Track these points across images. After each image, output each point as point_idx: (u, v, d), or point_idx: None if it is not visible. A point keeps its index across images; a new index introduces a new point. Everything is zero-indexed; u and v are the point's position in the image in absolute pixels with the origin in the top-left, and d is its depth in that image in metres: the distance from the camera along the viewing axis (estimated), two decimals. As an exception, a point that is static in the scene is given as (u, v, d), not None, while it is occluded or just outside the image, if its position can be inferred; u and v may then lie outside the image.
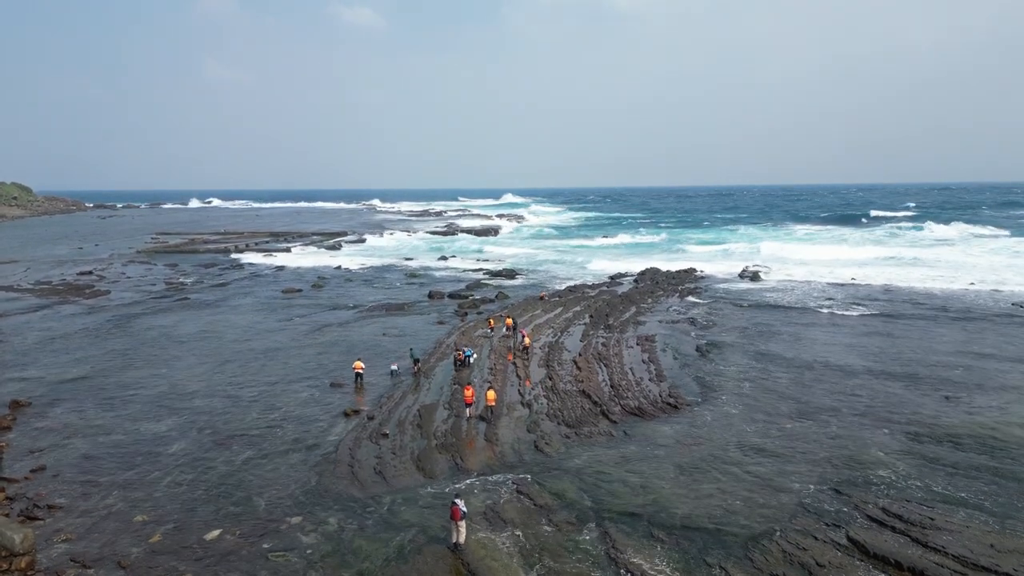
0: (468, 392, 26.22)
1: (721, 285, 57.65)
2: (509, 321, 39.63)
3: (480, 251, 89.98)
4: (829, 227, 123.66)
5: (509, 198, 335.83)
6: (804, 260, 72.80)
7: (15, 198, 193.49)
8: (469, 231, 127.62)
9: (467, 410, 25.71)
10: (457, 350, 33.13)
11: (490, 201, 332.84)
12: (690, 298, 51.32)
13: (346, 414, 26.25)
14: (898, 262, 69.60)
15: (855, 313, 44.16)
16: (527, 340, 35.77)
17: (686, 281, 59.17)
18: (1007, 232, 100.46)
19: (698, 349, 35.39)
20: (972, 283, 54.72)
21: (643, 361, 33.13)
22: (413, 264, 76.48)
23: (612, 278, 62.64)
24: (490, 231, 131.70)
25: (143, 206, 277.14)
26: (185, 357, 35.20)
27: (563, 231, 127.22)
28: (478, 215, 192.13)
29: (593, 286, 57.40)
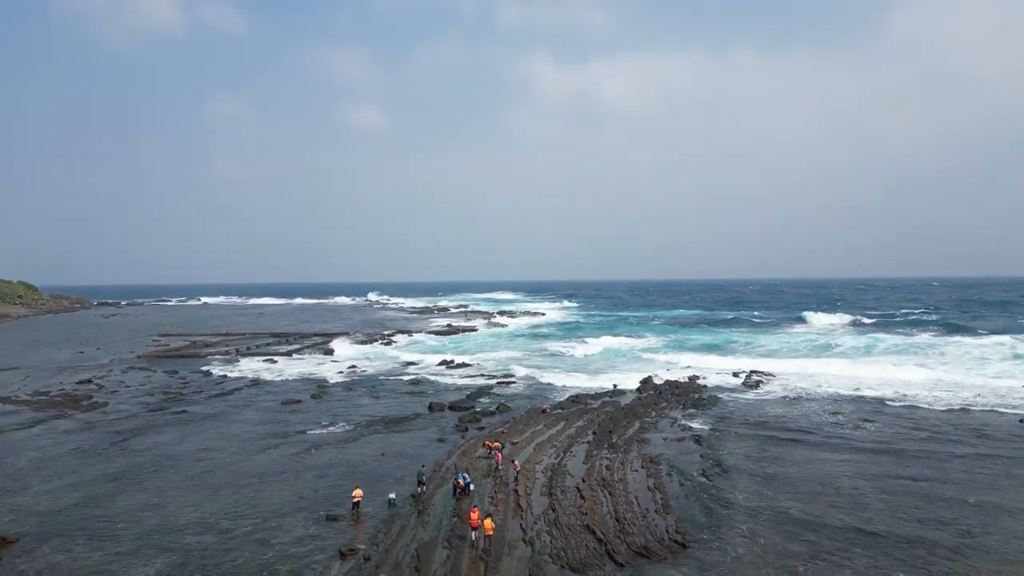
0: (474, 515, 26.10)
1: (724, 395, 57.05)
2: (490, 444, 38.58)
3: (481, 352, 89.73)
4: (831, 322, 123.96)
5: (509, 294, 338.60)
6: (808, 371, 71.79)
7: (20, 297, 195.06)
8: (470, 329, 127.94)
9: (473, 533, 25.27)
10: (456, 477, 32.41)
11: (491, 295, 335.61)
12: (693, 410, 50.74)
13: (342, 554, 25.29)
14: (899, 367, 69.14)
15: (863, 432, 43.39)
16: (500, 458, 35.41)
17: (689, 391, 58.61)
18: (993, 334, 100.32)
19: (704, 472, 34.62)
20: (978, 394, 54.18)
21: (648, 488, 32.31)
22: (414, 369, 76.12)
23: (615, 386, 62.16)
24: (492, 327, 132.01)
25: (147, 303, 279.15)
26: (179, 482, 34.41)
27: (564, 329, 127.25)
28: (479, 312, 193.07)
29: (595, 395, 56.83)
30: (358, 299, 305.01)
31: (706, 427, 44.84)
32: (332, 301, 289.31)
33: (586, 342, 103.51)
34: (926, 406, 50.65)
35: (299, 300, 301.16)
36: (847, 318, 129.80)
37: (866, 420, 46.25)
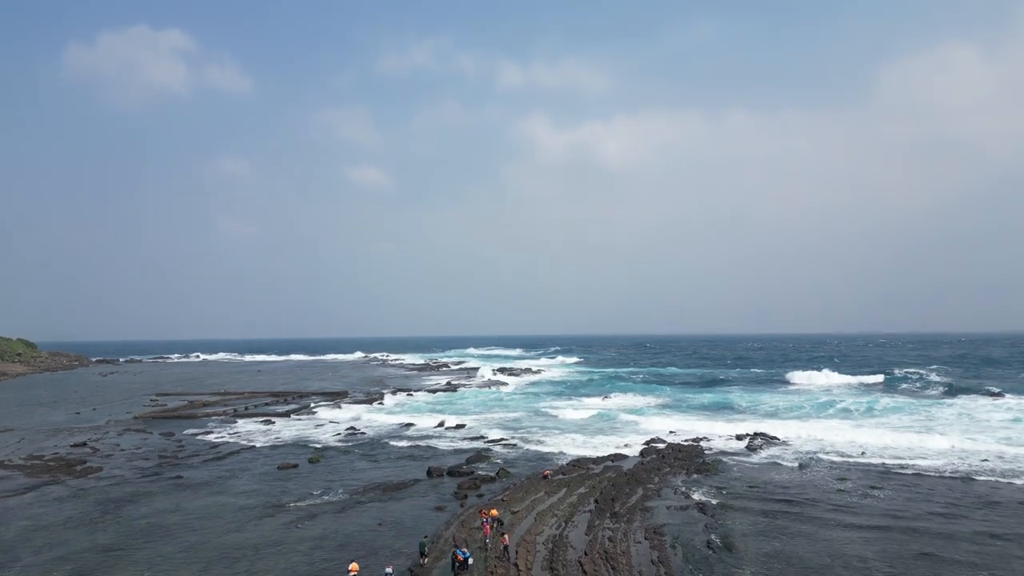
0: None
1: (728, 459, 56.22)
2: (485, 513, 36.91)
3: (480, 413, 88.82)
4: (832, 382, 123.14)
5: (508, 350, 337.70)
6: (812, 433, 70.96)
7: (19, 355, 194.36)
8: (471, 387, 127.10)
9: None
10: (455, 552, 31.64)
11: (491, 350, 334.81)
12: (696, 476, 49.92)
13: (337, 635, 24.62)
14: (903, 430, 68.38)
15: (870, 501, 42.55)
16: (488, 530, 34.08)
17: (692, 455, 57.78)
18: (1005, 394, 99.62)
19: (709, 544, 33.83)
20: (984, 459, 53.40)
21: (652, 562, 31.52)
22: (412, 431, 75.22)
23: (616, 449, 61.32)
24: (492, 386, 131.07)
25: (145, 360, 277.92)
26: (172, 555, 33.60)
27: (564, 388, 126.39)
28: (478, 368, 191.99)
29: (597, 460, 55.98)
30: (357, 356, 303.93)
31: (710, 495, 44.01)
32: (331, 358, 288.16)
33: (587, 401, 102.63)
34: (932, 473, 49.81)
35: (298, 357, 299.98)
36: (850, 378, 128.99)
37: (873, 488, 45.42)
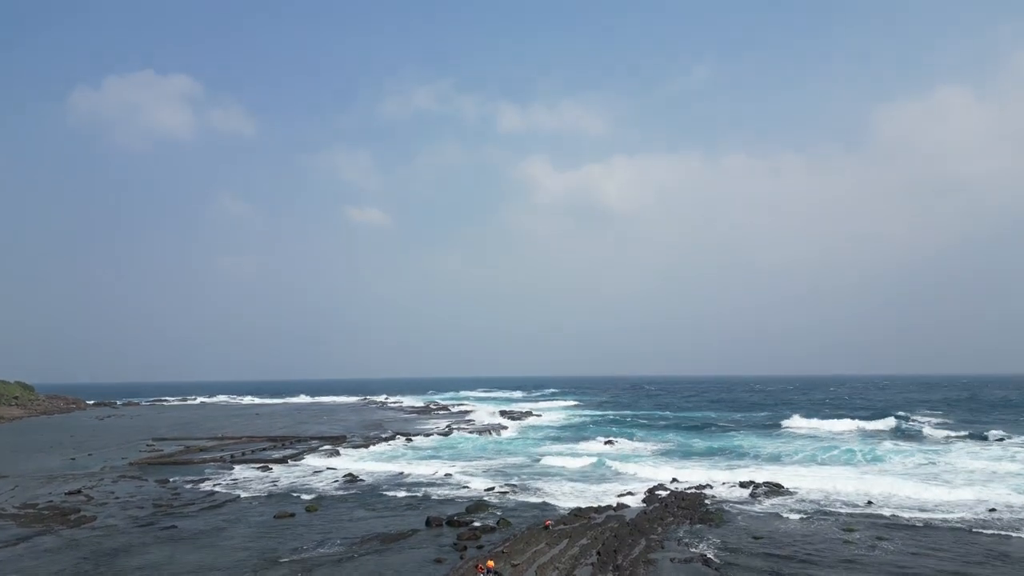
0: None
1: (732, 508, 55.37)
2: (481, 568, 36.18)
3: (480, 459, 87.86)
4: (836, 428, 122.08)
5: (508, 392, 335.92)
6: (818, 482, 70.07)
7: (16, 398, 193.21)
8: (470, 431, 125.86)
9: None
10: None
11: (491, 392, 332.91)
12: (700, 526, 49.11)
13: None
14: (909, 476, 67.56)
15: (879, 554, 41.79)
16: None
17: (696, 503, 56.94)
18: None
19: (714, 600, 33.12)
20: (992, 509, 52.61)
21: (656, 619, 30.83)
22: (412, 478, 74.26)
23: (619, 497, 60.48)
24: (491, 430, 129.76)
25: (143, 403, 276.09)
26: (165, 611, 32.87)
27: (566, 431, 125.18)
28: (480, 412, 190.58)
29: (599, 509, 55.14)
30: (355, 398, 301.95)
31: (715, 547, 43.22)
32: (329, 400, 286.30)
33: (587, 446, 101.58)
34: (940, 524, 49.02)
35: (296, 399, 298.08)
36: (853, 423, 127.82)
37: (880, 539, 44.63)
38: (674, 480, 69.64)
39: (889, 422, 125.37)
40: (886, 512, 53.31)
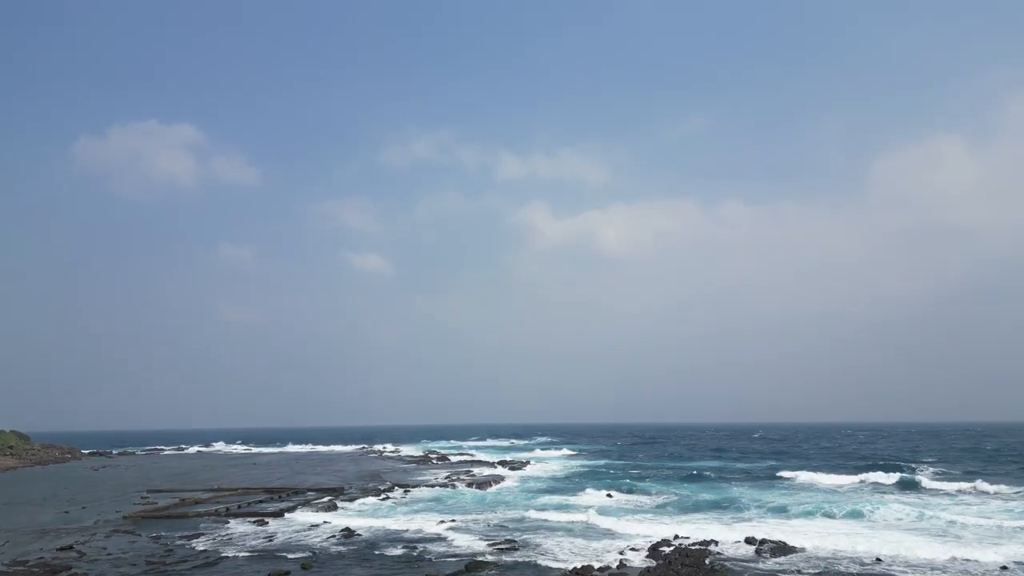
0: None
1: (737, 566, 54.20)
2: None
3: (480, 513, 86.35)
4: (841, 482, 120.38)
5: (508, 440, 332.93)
6: (824, 540, 68.83)
7: (11, 447, 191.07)
8: (469, 483, 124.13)
9: None
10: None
11: (490, 442, 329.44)
12: (706, 585, 48.04)
13: None
14: (917, 532, 66.36)
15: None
16: None
17: (701, 559, 55.77)
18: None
19: (721, 668, 32.14)
20: (1005, 567, 51.50)
21: None
22: (410, 533, 72.86)
23: (621, 554, 59.26)
24: (490, 482, 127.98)
25: (139, 452, 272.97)
26: None
27: (566, 483, 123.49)
28: (477, 461, 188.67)
29: (601, 569, 53.97)
30: (354, 447, 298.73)
31: (720, 608, 42.19)
32: (327, 449, 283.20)
33: (589, 498, 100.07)
34: (951, 582, 48.03)
35: (294, 448, 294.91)
36: (860, 475, 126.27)
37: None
38: (677, 536, 68.34)
39: (895, 474, 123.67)
40: (897, 572, 52.17)
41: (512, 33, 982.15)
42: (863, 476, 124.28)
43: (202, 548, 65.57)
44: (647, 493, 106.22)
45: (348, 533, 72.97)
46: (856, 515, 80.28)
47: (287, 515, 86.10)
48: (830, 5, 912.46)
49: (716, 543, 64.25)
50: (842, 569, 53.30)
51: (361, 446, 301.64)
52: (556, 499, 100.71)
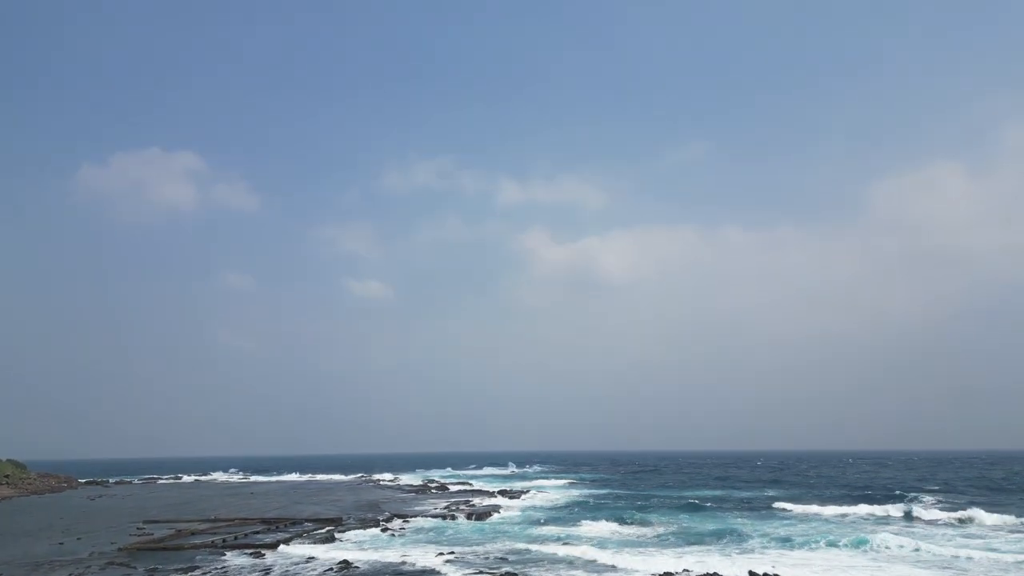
0: None
1: (739, 600, 53.63)
2: None
3: (480, 545, 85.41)
4: (845, 512, 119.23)
5: (507, 469, 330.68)
6: (827, 567, 68.27)
7: (7, 476, 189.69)
8: (469, 514, 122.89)
9: None
10: None
11: (490, 470, 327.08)
12: (707, 620, 47.42)
13: None
14: (920, 564, 65.64)
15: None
16: None
17: (701, 594, 55.17)
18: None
19: None
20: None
21: None
22: (409, 566, 72.02)
23: (621, 587, 58.64)
24: (490, 512, 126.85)
25: (136, 481, 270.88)
26: None
27: (566, 513, 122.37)
28: (477, 490, 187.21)
29: (601, 602, 53.36)
30: (352, 475, 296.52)
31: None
32: (326, 478, 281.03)
33: (591, 528, 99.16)
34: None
35: (292, 477, 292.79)
36: (863, 505, 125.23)
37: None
38: (685, 570, 67.49)
39: (899, 504, 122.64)
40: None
41: (512, 60, 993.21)
42: (867, 507, 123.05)
43: (198, 581, 64.78)
44: (648, 524, 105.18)
45: (345, 565, 72.10)
46: (860, 546, 79.47)
47: (284, 547, 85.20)
48: (830, 31, 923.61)
49: (718, 576, 63.48)
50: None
51: (360, 475, 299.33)
52: (556, 530, 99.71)
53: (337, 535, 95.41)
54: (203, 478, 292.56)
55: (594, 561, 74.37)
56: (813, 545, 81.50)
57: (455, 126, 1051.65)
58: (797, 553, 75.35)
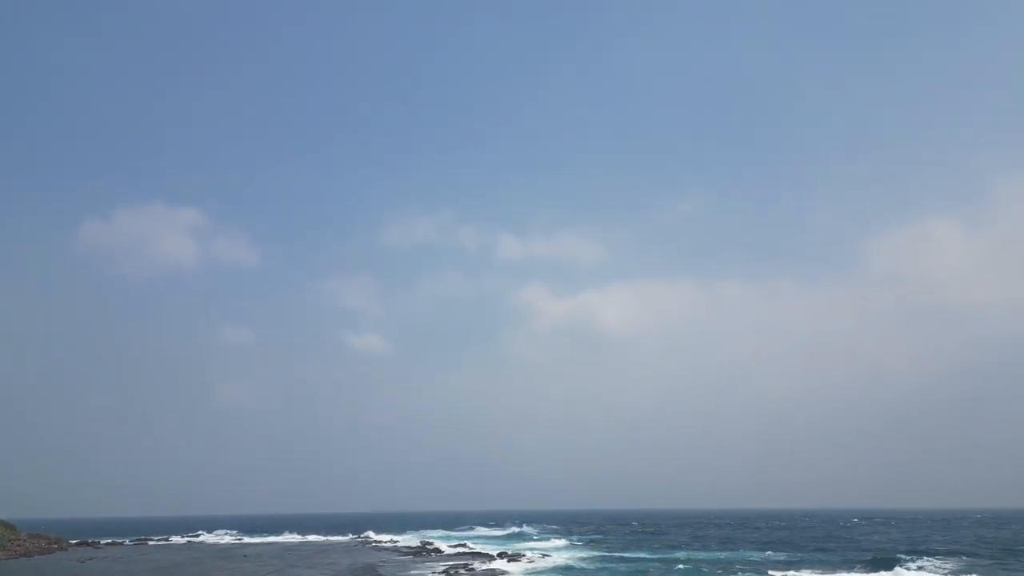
0: None
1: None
2: None
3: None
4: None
5: (506, 529, 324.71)
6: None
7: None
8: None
9: None
10: None
11: (489, 531, 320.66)
12: None
13: None
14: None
15: None
16: None
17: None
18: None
19: None
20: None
21: None
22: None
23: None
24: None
25: (127, 542, 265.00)
26: None
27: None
28: (476, 553, 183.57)
29: None
30: (347, 536, 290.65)
31: None
32: (321, 539, 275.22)
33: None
34: None
35: (286, 538, 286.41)
36: (867, 572, 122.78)
37: None
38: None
39: (901, 571, 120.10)
40: None
41: (511, 110, 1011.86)
42: (878, 569, 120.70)
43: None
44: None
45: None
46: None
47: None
48: (828, 84, 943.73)
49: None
50: None
51: (356, 536, 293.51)
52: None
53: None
54: (195, 539, 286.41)
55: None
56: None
57: (455, 180, 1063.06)
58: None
